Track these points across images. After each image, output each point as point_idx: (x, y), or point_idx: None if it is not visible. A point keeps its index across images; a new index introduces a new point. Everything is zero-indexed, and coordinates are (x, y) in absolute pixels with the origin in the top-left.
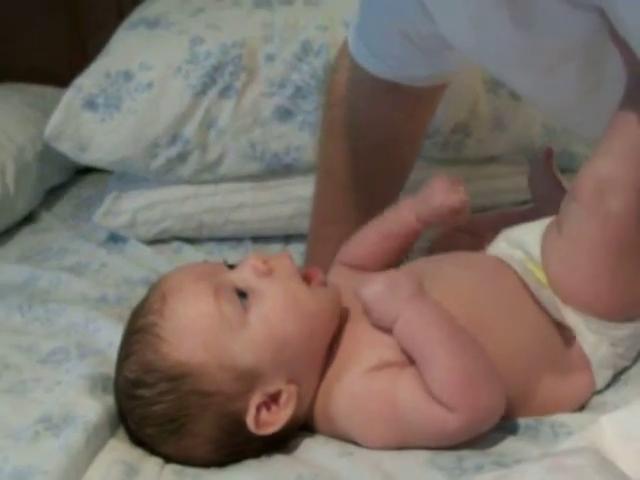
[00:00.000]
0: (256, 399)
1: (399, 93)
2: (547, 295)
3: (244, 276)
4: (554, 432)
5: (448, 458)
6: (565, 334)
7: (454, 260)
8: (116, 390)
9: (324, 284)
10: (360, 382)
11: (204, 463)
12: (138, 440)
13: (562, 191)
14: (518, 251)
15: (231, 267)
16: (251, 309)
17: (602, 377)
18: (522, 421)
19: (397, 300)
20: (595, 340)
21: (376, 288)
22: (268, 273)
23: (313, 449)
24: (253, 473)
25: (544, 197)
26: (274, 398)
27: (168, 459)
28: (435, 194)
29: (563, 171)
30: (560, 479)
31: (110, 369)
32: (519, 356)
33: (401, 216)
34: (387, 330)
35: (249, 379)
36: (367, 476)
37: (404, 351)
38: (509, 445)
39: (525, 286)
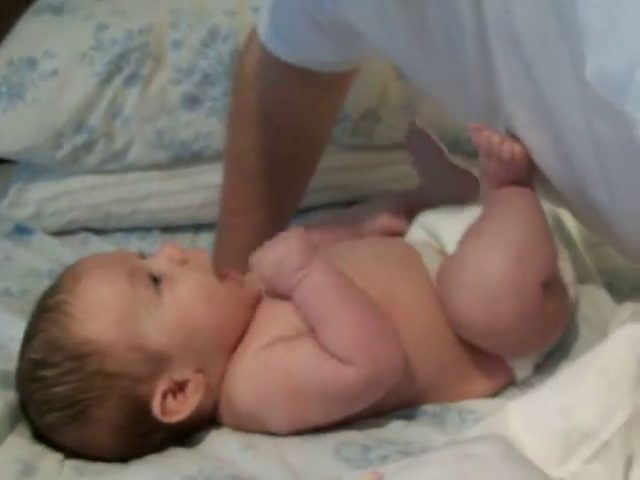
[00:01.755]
0: (163, 384)
1: (307, 78)
2: None
3: (159, 263)
4: (461, 418)
5: (353, 449)
6: None
7: (370, 245)
8: (18, 374)
9: (240, 283)
10: (255, 359)
11: (106, 454)
12: (38, 432)
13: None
14: (433, 240)
15: (143, 257)
16: (164, 293)
17: (521, 366)
18: (429, 408)
19: (287, 273)
20: None
21: (266, 264)
22: (183, 262)
23: (217, 442)
24: (155, 469)
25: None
26: (181, 387)
27: (69, 453)
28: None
29: (474, 156)
30: (465, 468)
31: (11, 365)
32: (430, 339)
33: None
34: (284, 307)
35: (157, 362)
36: (271, 469)
37: (298, 325)
38: (415, 433)
39: None
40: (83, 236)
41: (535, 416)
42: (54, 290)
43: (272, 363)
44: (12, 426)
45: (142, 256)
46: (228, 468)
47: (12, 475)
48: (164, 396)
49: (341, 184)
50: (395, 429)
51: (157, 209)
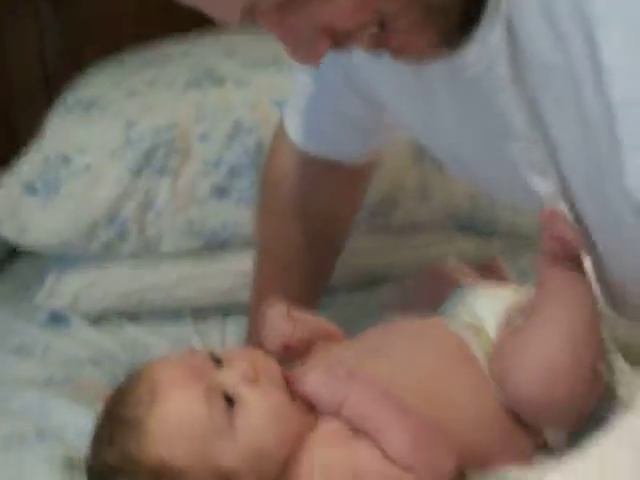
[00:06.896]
0: None
1: (336, 171)
2: None
3: (233, 381)
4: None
5: None
6: None
7: (408, 333)
8: (93, 470)
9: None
10: (320, 454)
11: None
12: None
13: None
14: (471, 318)
15: (216, 360)
16: (237, 419)
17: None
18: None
19: (336, 386)
20: None
21: (317, 381)
22: (256, 380)
23: None
24: None
25: None
26: None
27: None
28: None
29: (489, 235)
30: None
31: (69, 451)
32: (481, 428)
33: None
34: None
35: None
36: None
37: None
38: None
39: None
40: (117, 322)
41: None
42: (129, 400)
43: (338, 464)
44: None
45: (214, 358)
46: None
47: None
48: None
49: (359, 265)
50: None
51: (188, 295)
